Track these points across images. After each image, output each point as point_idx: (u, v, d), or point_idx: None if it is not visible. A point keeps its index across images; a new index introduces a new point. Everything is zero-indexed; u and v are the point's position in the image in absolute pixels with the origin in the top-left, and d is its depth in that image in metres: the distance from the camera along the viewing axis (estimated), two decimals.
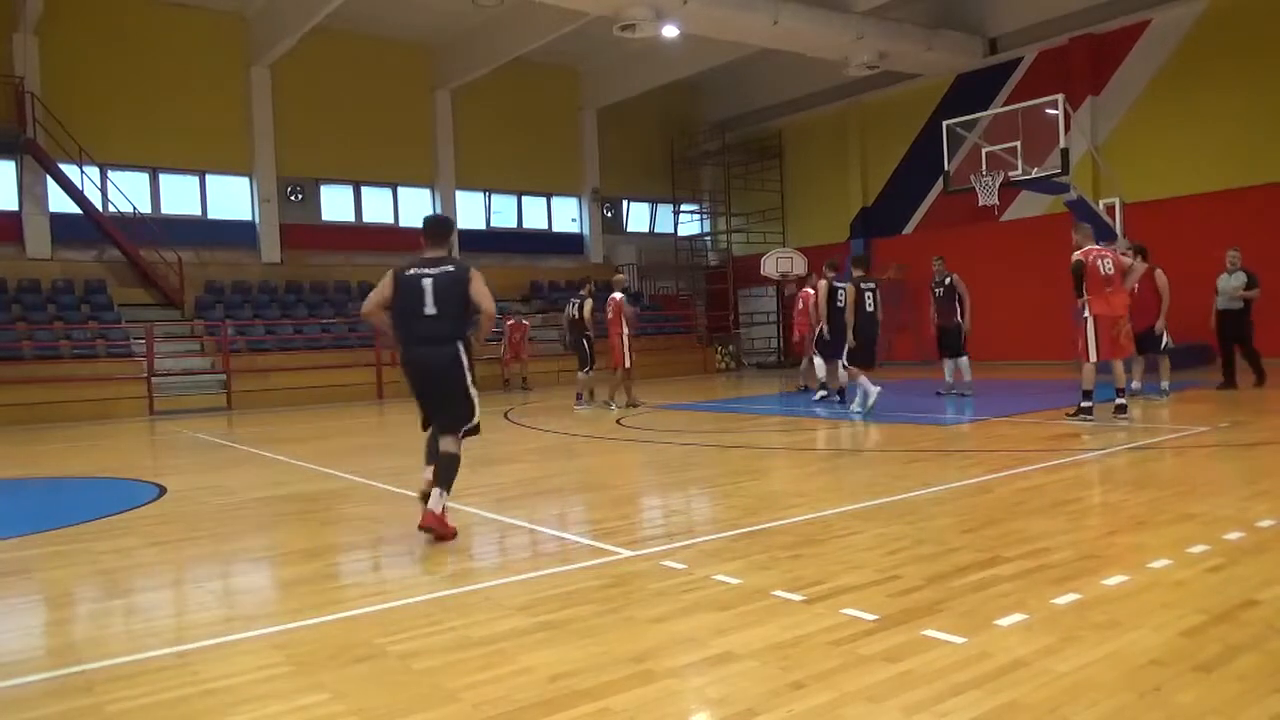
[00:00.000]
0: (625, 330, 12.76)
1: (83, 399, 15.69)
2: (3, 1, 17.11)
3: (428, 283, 5.11)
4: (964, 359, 12.13)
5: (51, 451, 11.15)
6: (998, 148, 14.63)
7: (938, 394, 12.42)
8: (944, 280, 12.29)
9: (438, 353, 5.12)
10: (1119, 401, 8.95)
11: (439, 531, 5.01)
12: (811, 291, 13.27)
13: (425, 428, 5.38)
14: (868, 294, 10.80)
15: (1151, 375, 11.12)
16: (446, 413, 5.23)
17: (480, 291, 5.16)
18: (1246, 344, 11.66)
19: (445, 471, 5.08)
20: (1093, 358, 8.85)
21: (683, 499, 6.44)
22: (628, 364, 12.89)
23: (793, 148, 25.18)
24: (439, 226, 5.39)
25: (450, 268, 5.18)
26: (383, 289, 5.23)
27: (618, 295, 13.16)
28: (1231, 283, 11.62)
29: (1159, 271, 11.03)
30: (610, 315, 12.97)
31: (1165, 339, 10.98)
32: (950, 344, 12.22)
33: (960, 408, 11.13)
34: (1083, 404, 8.94)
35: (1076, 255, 8.98)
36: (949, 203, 18.79)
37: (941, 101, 20.75)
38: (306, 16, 18.04)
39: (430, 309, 5.10)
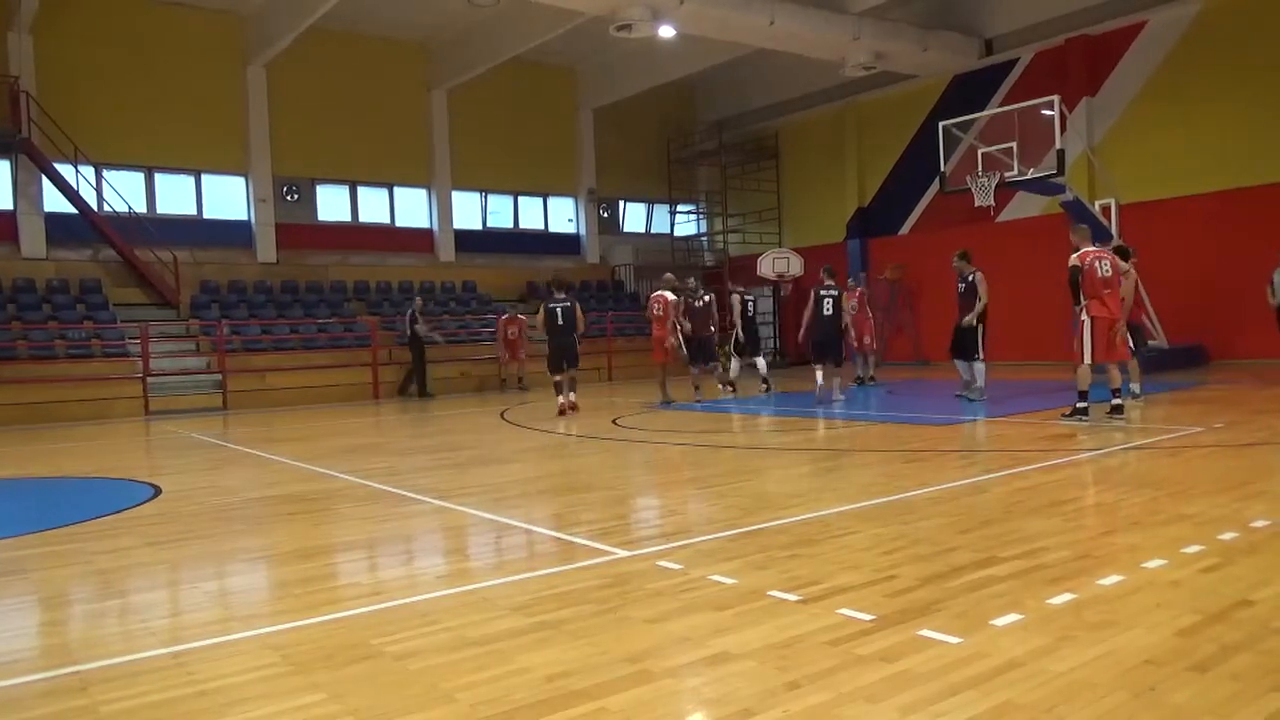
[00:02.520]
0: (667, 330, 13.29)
1: (78, 399, 15.65)
2: None
3: (561, 310, 12.10)
4: (978, 363, 11.37)
5: (47, 451, 11.12)
6: (994, 148, 14.70)
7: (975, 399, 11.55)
8: (966, 277, 11.51)
9: (569, 340, 12.15)
10: (1115, 402, 8.93)
11: (575, 404, 12.17)
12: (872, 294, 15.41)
13: (553, 372, 12.40)
14: (748, 302, 14.75)
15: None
16: (573, 364, 12.22)
17: (580, 314, 12.28)
18: None
19: (575, 384, 12.28)
20: (1087, 360, 8.80)
21: (679, 499, 6.43)
22: (661, 360, 13.43)
23: (789, 148, 25.19)
24: (563, 283, 12.67)
25: (569, 303, 12.18)
26: (541, 316, 12.22)
27: (668, 294, 13.42)
28: None
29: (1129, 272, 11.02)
30: (659, 312, 13.32)
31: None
32: (963, 345, 11.46)
33: (963, 409, 10.97)
34: (1078, 405, 8.95)
35: (1074, 260, 8.83)
36: (945, 203, 18.84)
37: (938, 102, 20.77)
38: (302, 16, 17.99)
39: (562, 321, 12.07)
